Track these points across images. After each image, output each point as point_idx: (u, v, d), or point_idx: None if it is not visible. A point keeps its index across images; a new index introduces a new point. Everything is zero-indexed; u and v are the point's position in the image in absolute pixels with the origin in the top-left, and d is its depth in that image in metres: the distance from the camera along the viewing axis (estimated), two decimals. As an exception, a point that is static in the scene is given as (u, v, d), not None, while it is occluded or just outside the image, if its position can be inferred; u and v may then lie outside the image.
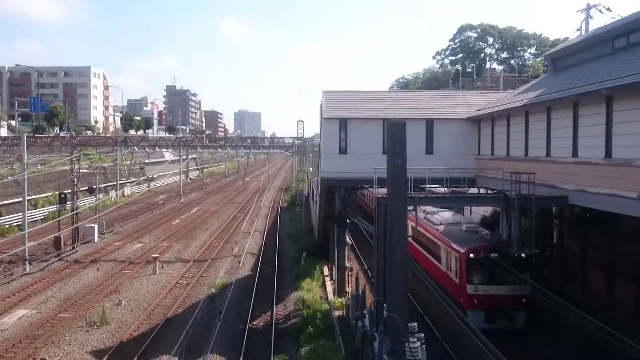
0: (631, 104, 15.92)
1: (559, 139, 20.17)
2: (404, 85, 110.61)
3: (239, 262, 42.80)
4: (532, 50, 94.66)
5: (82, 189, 58.67)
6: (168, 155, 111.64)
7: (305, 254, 41.71)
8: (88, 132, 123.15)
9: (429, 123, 28.13)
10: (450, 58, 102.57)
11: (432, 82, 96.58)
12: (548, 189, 20.41)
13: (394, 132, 10.46)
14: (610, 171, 16.91)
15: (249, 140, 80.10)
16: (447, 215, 33.89)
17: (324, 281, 36.06)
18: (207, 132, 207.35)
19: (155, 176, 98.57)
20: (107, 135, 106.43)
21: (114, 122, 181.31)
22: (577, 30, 38.10)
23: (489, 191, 26.04)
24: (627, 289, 20.63)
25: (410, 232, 28.49)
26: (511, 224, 20.35)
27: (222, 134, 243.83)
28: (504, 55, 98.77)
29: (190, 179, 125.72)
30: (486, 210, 38.03)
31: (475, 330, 23.30)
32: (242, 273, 40.09)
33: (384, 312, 10.86)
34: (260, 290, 35.39)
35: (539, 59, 79.51)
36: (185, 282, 37.31)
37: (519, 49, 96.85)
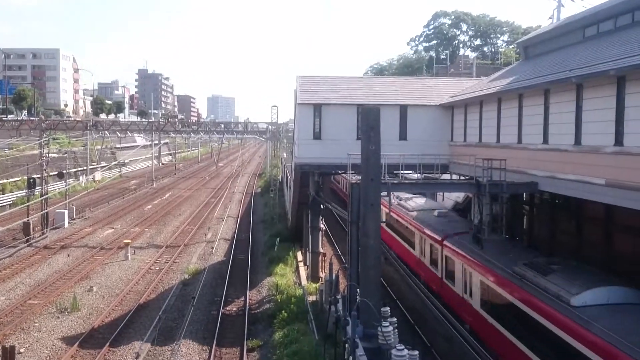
0: (600, 92, 16.19)
1: (530, 126, 20.43)
2: (379, 71, 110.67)
3: (212, 248, 42.65)
4: (505, 37, 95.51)
5: (51, 173, 57.72)
6: (140, 140, 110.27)
7: (279, 239, 41.74)
8: (57, 116, 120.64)
9: (403, 109, 28.24)
10: (425, 44, 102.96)
11: (406, 68, 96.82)
12: (519, 176, 20.70)
13: (368, 118, 10.47)
14: (579, 158, 17.21)
15: (223, 125, 79.49)
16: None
17: (297, 266, 36.17)
18: (180, 116, 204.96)
19: (126, 161, 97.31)
20: (77, 119, 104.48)
21: (84, 106, 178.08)
22: (549, 18, 38.60)
23: (462, 177, 26.31)
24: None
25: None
26: (482, 210, 20.60)
27: (195, 118, 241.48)
28: (477, 42, 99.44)
29: (162, 164, 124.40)
30: (458, 196, 38.49)
31: (446, 313, 23.74)
32: (216, 259, 39.98)
33: (357, 297, 10.94)
34: (233, 276, 35.36)
35: (512, 46, 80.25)
36: (157, 268, 37.06)
37: (492, 36, 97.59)
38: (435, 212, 30.65)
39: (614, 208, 18.71)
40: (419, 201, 34.20)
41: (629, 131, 14.97)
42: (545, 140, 19.30)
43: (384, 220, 31.10)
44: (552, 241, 24.35)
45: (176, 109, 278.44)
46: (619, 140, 15.30)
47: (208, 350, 23.92)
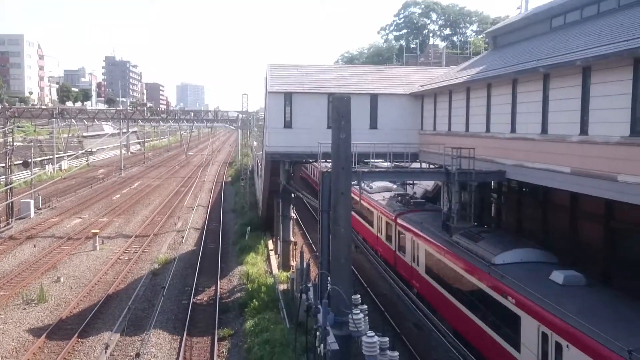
0: (566, 82, 16.48)
1: (499, 115, 20.71)
2: (349, 60, 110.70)
3: (182, 237, 42.34)
4: (474, 27, 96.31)
5: (16, 162, 56.43)
6: (108, 128, 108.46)
7: (249, 228, 41.65)
8: (22, 103, 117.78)
9: (374, 98, 28.34)
10: (395, 33, 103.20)
11: (376, 57, 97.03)
12: (487, 164, 21.00)
13: (339, 107, 10.48)
14: (545, 147, 17.52)
15: (192, 114, 78.68)
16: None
17: (268, 255, 36.16)
18: (149, 104, 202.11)
19: (94, 150, 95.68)
20: (43, 106, 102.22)
21: (50, 94, 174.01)
22: (518, 8, 38.92)
23: (431, 166, 26.58)
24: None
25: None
26: (452, 198, 20.87)
27: (164, 106, 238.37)
28: (447, 32, 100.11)
29: (131, 152, 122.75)
30: (428, 184, 38.91)
31: (414, 299, 24.11)
32: (186, 248, 39.71)
33: (328, 285, 11.01)
34: (204, 265, 35.19)
35: (481, 36, 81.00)
36: (127, 258, 36.64)
37: (461, 26, 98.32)
38: (392, 193, 33.13)
39: (579, 196, 19.14)
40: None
41: (593, 120, 15.29)
42: (513, 130, 19.59)
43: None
44: (519, 228, 24.80)
45: (145, 97, 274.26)
46: (584, 130, 15.62)
47: (179, 340, 23.81)
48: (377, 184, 35.58)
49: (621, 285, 17.94)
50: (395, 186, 37.89)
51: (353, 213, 36.19)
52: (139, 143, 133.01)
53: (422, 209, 28.85)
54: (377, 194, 34.14)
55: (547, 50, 19.26)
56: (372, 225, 33.27)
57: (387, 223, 29.97)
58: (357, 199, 34.65)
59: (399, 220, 27.75)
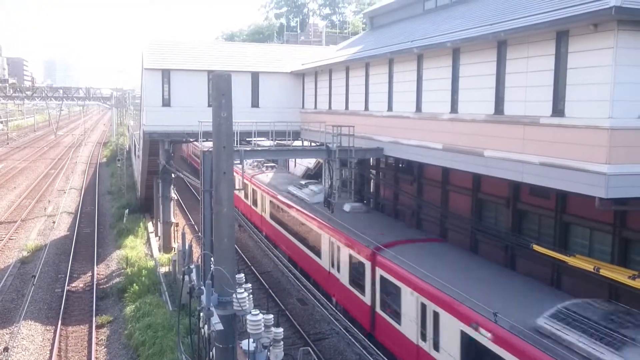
0: (438, 63, 17.31)
1: (376, 94, 21.36)
2: (229, 37, 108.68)
3: (54, 222, 39.88)
4: (353, 7, 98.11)
5: None
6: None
7: (127, 210, 40.11)
8: None
9: (255, 76, 28.14)
10: (275, 11, 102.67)
11: (257, 35, 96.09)
12: (366, 142, 21.65)
13: (219, 85, 10.26)
14: (419, 125, 18.36)
15: (61, 91, 73.85)
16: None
17: (148, 238, 35.09)
18: (12, 81, 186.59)
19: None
20: None
21: None
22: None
23: (313, 144, 26.94)
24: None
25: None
26: (333, 175, 21.31)
27: (30, 83, 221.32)
28: (327, 11, 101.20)
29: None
30: (310, 162, 39.45)
31: (296, 273, 24.59)
32: (58, 234, 37.46)
33: (212, 265, 10.87)
34: (79, 251, 33.47)
35: (359, 16, 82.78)
36: (-10, 247, 33.94)
37: (340, 5, 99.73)
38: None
39: (450, 170, 20.32)
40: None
41: (462, 99, 16.22)
42: (390, 108, 20.31)
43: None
44: (396, 202, 25.91)
45: (6, 73, 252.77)
46: (454, 108, 16.53)
47: (52, 330, 22.57)
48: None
49: (486, 252, 19.40)
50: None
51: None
52: (1, 122, 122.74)
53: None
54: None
55: (420, 32, 20.08)
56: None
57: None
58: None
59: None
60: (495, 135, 14.72)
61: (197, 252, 25.12)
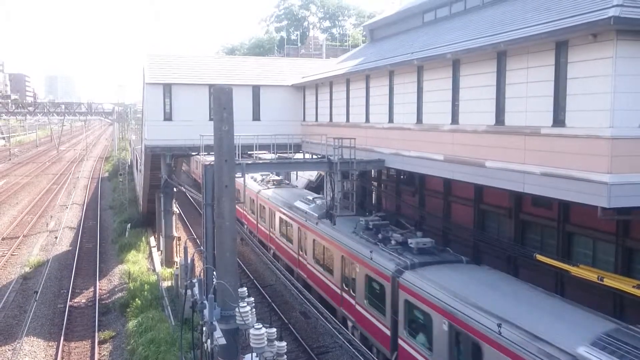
0: (438, 74, 17.37)
1: (377, 106, 21.42)
2: (230, 51, 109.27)
3: (56, 238, 39.84)
4: (353, 20, 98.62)
5: None
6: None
7: (129, 225, 40.06)
8: None
9: (256, 89, 28.25)
10: (276, 25, 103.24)
11: (257, 48, 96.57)
12: (367, 153, 21.68)
13: (221, 98, 10.31)
14: (420, 136, 18.39)
15: (63, 106, 74.13)
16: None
17: (150, 252, 35.01)
18: (14, 97, 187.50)
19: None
20: None
21: None
22: (392, 2, 40.34)
23: (314, 156, 26.97)
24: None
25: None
26: (334, 187, 21.32)
27: (32, 99, 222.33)
28: (327, 24, 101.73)
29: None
30: (311, 174, 39.49)
31: (300, 287, 24.44)
32: (60, 249, 37.42)
33: (214, 279, 10.85)
34: (81, 266, 33.40)
35: (359, 29, 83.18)
36: (-7, 263, 33.89)
37: (340, 18, 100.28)
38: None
39: (452, 181, 20.31)
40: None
41: (463, 110, 16.25)
42: (391, 120, 20.36)
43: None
44: (398, 213, 25.87)
45: (8, 89, 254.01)
46: (455, 119, 16.56)
47: (55, 346, 22.46)
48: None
49: (489, 262, 19.33)
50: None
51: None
52: (4, 138, 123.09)
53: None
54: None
55: (420, 43, 20.16)
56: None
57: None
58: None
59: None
60: (496, 146, 14.74)
61: (199, 266, 25.10)
